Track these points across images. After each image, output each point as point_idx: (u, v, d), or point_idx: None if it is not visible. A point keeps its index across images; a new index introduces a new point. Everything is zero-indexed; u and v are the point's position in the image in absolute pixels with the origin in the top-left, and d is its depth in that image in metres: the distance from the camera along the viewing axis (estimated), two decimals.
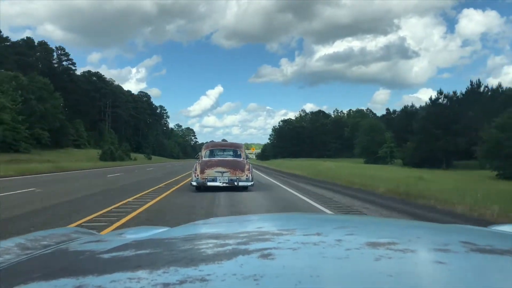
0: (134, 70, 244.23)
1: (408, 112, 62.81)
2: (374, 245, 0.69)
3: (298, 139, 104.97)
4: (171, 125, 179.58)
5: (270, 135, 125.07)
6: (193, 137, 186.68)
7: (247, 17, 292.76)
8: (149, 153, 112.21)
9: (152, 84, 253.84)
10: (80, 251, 0.82)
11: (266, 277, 0.53)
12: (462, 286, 0.53)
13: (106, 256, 0.71)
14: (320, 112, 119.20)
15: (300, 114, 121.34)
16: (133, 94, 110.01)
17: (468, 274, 0.58)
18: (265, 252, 0.64)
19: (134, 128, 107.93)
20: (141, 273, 0.57)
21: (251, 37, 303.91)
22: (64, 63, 76.57)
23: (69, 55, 72.39)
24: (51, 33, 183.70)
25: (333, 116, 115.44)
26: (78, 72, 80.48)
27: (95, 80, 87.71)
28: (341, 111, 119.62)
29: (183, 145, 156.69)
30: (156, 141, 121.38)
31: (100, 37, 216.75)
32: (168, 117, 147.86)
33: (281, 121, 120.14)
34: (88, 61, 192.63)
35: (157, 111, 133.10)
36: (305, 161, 60.95)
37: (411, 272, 0.58)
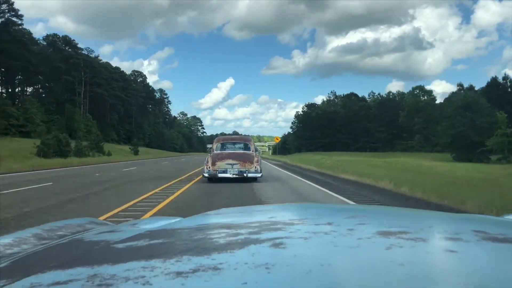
0: (146, 62, 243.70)
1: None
2: (385, 234, 0.68)
3: (330, 128, 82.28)
4: (175, 113, 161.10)
5: (292, 122, 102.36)
6: (200, 127, 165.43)
7: (259, 8, 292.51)
8: (143, 144, 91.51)
9: (164, 77, 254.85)
10: (94, 241, 0.83)
11: (277, 266, 0.54)
12: (474, 274, 0.53)
13: (120, 245, 0.72)
14: (351, 95, 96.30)
15: (328, 98, 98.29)
16: (123, 72, 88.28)
17: (479, 262, 0.57)
18: (277, 241, 0.64)
19: (125, 115, 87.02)
20: (155, 262, 0.57)
21: (263, 29, 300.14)
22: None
23: (13, 3, 49.70)
24: (63, 25, 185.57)
25: (368, 100, 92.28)
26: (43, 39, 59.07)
27: (63, 47, 66.06)
28: (378, 94, 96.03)
29: (188, 137, 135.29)
30: (154, 131, 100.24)
31: (112, 29, 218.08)
32: (169, 102, 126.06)
33: (306, 105, 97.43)
34: (100, 53, 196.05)
35: (155, 95, 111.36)
36: (359, 157, 38.68)
37: (422, 261, 0.58)
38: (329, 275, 0.52)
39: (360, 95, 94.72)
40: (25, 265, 0.67)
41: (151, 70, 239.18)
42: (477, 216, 1.14)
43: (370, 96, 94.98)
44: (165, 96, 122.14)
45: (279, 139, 46.39)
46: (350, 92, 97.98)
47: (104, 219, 5.66)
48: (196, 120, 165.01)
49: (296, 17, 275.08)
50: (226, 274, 0.51)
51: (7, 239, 0.89)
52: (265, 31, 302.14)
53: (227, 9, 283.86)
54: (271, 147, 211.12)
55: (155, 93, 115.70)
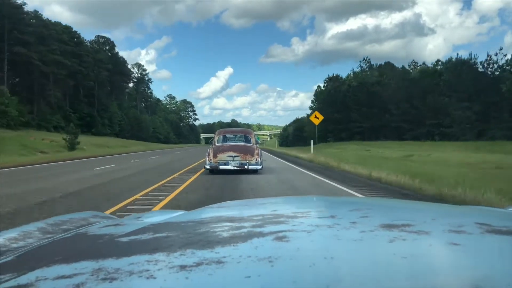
0: (143, 52, 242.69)
1: None
2: (388, 227, 0.68)
3: (373, 106, 57.22)
4: (160, 95, 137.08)
5: (312, 101, 77.45)
6: (191, 113, 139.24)
7: None
8: (111, 133, 67.00)
9: (162, 66, 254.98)
10: (99, 234, 0.83)
11: (280, 259, 0.54)
12: (477, 267, 0.52)
13: (124, 239, 0.73)
14: (388, 64, 71.49)
15: (361, 67, 73.06)
16: (75, 32, 62.78)
17: (482, 255, 0.57)
18: (280, 234, 0.64)
19: (85, 93, 62.44)
20: (159, 256, 0.58)
21: (261, 15, 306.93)
22: None
23: None
24: (59, 15, 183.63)
25: (410, 70, 67.08)
26: None
27: None
28: (436, 62, 71.14)
29: (176, 124, 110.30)
30: (126, 116, 75.70)
31: (109, 17, 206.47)
32: (150, 81, 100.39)
33: (328, 79, 72.42)
34: None
35: (129, 70, 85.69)
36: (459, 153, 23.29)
37: (425, 254, 0.58)
38: (332, 268, 0.52)
39: (407, 62, 69.51)
40: (31, 259, 0.68)
41: (149, 60, 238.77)
42: (480, 208, 1.11)
43: (411, 66, 70.01)
44: (144, 73, 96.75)
45: (319, 119, 20.96)
46: (386, 62, 73.12)
47: None
48: (187, 105, 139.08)
49: (296, 3, 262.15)
50: (229, 267, 0.51)
51: (12, 233, 0.89)
52: (264, 18, 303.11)
53: None
54: (273, 136, 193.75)
55: (133, 70, 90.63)
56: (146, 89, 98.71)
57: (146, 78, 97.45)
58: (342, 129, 59.62)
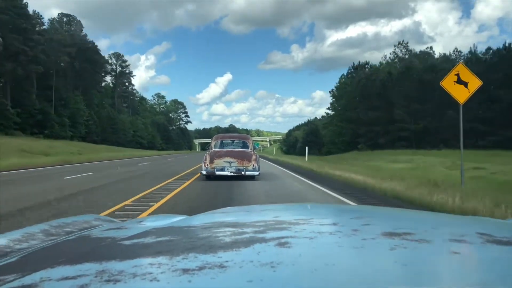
0: (143, 57, 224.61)
1: None
2: (390, 235, 0.69)
3: (426, 101, 41.08)
4: (146, 94, 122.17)
5: (333, 95, 61.31)
6: (183, 115, 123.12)
7: (258, 0, 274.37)
8: (78, 136, 51.45)
9: (161, 72, 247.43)
10: (102, 237, 0.84)
11: (282, 265, 0.54)
12: (477, 276, 0.53)
13: (127, 242, 0.73)
14: (424, 53, 56.30)
15: (396, 52, 57.34)
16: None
17: (483, 265, 0.58)
18: (282, 240, 0.64)
19: (43, 84, 46.71)
20: (162, 259, 0.58)
21: (261, 22, 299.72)
22: None
23: None
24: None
25: (454, 57, 51.73)
26: None
27: None
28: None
29: (163, 127, 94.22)
30: (97, 115, 59.88)
31: (108, 22, 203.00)
32: (131, 75, 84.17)
33: (354, 67, 56.88)
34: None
35: (103, 59, 69.20)
36: None
37: (426, 262, 0.58)
38: (334, 274, 0.52)
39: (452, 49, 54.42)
40: (34, 260, 0.68)
41: (149, 65, 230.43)
42: (481, 219, 1.14)
43: (455, 54, 54.61)
44: (124, 65, 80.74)
45: (469, 89, 4.44)
46: (427, 48, 57.79)
47: None
48: (178, 105, 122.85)
49: (296, 10, 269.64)
50: (231, 272, 0.52)
51: (15, 235, 0.90)
52: (263, 24, 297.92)
53: (225, 1, 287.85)
54: (273, 142, 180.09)
55: (110, 61, 74.87)
56: (128, 84, 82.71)
57: (127, 71, 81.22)
58: (379, 132, 44.03)
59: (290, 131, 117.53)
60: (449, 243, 0.67)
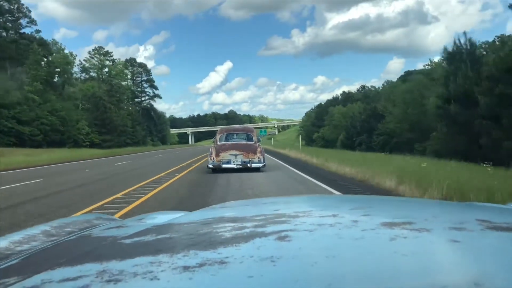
0: (142, 48, 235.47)
1: None
2: (389, 225, 0.69)
3: None
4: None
5: (441, 62, 28.99)
6: (146, 86, 76.41)
7: None
8: None
9: (160, 61, 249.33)
10: (102, 237, 0.84)
11: (283, 259, 0.54)
12: (477, 264, 0.52)
13: (127, 241, 0.73)
14: None
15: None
16: None
17: (483, 252, 0.57)
18: (282, 234, 0.64)
19: None
20: (162, 257, 0.58)
21: (260, 7, 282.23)
22: None
23: None
24: (54, 10, 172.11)
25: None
26: None
27: None
28: None
29: (100, 107, 48.97)
30: None
31: (105, 12, 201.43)
32: (29, 10, 44.89)
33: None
34: (94, 39, 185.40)
35: None
36: None
37: (426, 251, 0.58)
38: (334, 266, 0.52)
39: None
40: (35, 262, 0.68)
41: (148, 56, 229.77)
42: (481, 205, 1.12)
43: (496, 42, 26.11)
44: (14, 2, 44.93)
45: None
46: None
47: None
48: (134, 69, 73.92)
49: None
50: (232, 267, 0.52)
51: (16, 236, 0.89)
52: (263, 9, 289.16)
53: None
54: (281, 130, 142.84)
55: None
56: (19, 28, 42.74)
57: (21, 14, 42.19)
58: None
59: (321, 107, 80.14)
60: (449, 231, 0.66)
